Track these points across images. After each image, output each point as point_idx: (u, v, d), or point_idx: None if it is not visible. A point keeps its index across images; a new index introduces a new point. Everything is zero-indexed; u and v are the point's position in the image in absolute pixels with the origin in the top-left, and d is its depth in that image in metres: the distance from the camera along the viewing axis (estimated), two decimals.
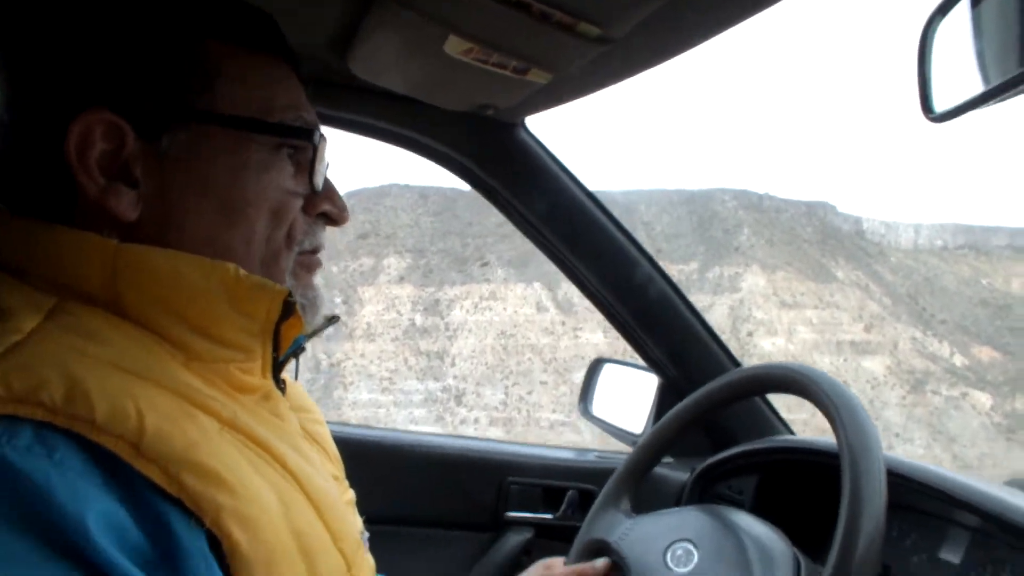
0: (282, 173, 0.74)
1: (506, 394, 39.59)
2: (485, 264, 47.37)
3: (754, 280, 46.28)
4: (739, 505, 1.30)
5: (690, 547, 1.01)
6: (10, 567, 0.48)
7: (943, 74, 0.76)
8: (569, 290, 43.26)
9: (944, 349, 47.04)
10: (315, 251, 0.79)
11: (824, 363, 42.82)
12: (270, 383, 0.77)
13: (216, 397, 0.66)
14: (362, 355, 40.88)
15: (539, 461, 1.73)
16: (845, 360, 43.71)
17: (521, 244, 48.56)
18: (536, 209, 1.56)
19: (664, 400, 1.63)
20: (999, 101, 0.68)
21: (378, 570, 0.88)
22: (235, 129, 0.70)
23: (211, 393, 0.66)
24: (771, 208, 56.29)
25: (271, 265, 0.74)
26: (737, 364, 1.67)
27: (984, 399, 42.42)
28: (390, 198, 53.31)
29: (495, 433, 36.93)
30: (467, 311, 43.98)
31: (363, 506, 0.90)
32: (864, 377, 42.92)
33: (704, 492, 1.52)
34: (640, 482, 1.20)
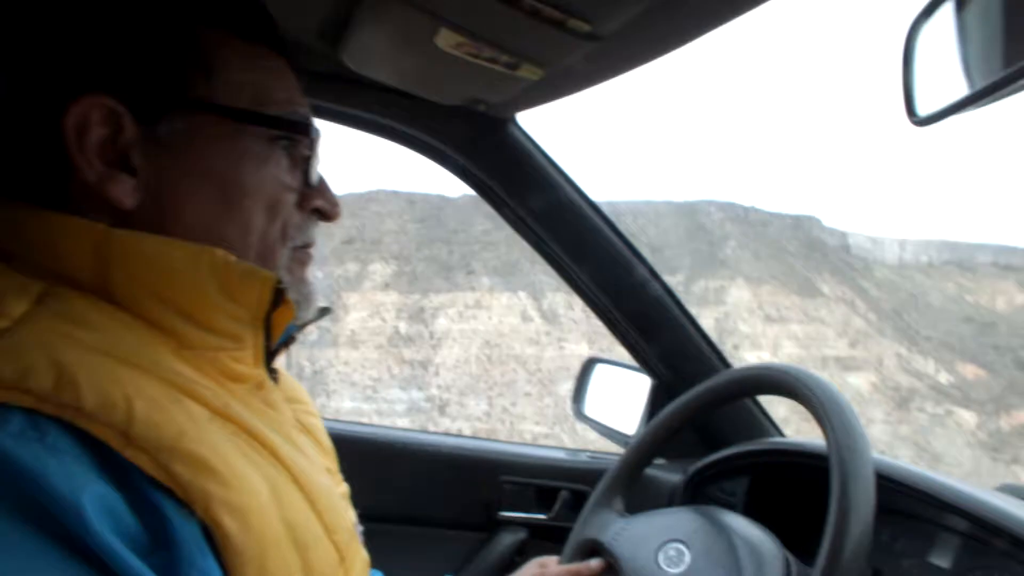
0: (278, 166, 0.75)
1: (490, 405, 39.22)
2: (471, 272, 47.02)
3: (739, 293, 46.21)
4: (731, 507, 1.25)
5: (682, 548, 1.01)
6: (6, 553, 0.48)
7: (927, 77, 0.78)
8: (554, 300, 43.11)
9: (929, 366, 47.07)
10: (307, 246, 0.80)
11: None
12: (263, 372, 0.77)
13: (207, 385, 0.66)
14: (346, 363, 40.39)
15: (532, 461, 1.75)
16: (830, 376, 43.44)
17: (506, 253, 48.61)
18: (528, 205, 1.56)
19: (656, 401, 1.64)
20: (983, 104, 0.69)
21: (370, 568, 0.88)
22: (233, 119, 0.71)
23: (202, 381, 0.66)
24: (757, 221, 56.30)
25: (266, 259, 0.74)
26: (728, 366, 1.66)
27: (969, 417, 42.37)
28: (377, 203, 52.75)
29: None
30: (452, 319, 43.59)
31: (356, 504, 0.91)
32: (849, 393, 42.57)
33: (696, 494, 1.52)
34: (633, 482, 1.20)
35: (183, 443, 0.58)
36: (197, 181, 0.69)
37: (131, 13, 0.67)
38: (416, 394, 40.19)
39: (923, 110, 0.77)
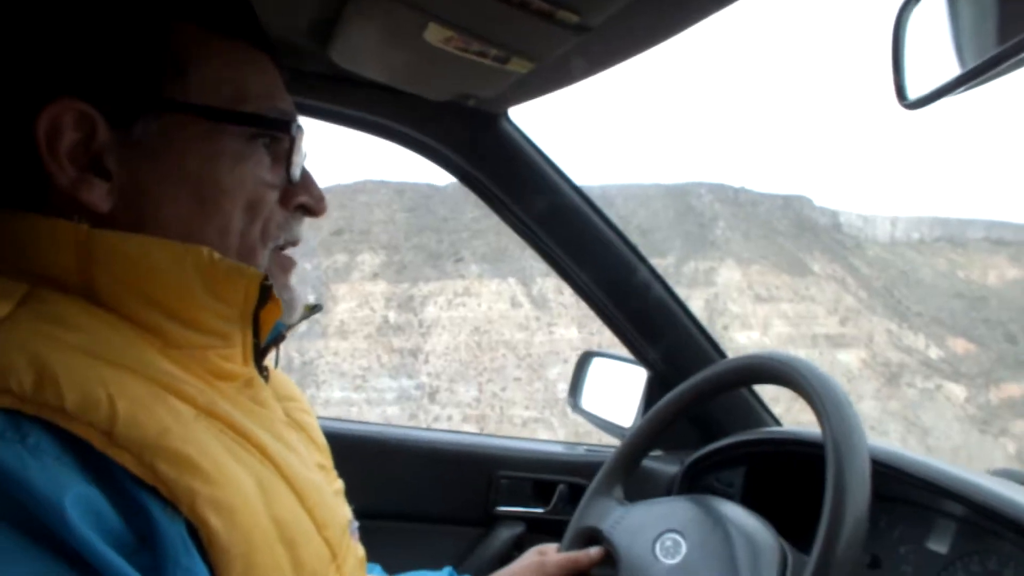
0: (258, 164, 0.73)
1: (480, 391, 39.21)
2: (459, 260, 47.03)
3: (729, 274, 46.21)
4: (728, 497, 1.24)
5: (679, 538, 1.02)
6: None
7: (917, 59, 0.77)
8: (544, 285, 43.11)
9: (919, 342, 47.15)
10: (292, 245, 0.79)
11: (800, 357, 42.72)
12: (252, 370, 0.76)
13: (193, 384, 0.65)
14: (335, 353, 40.42)
15: (529, 455, 1.73)
16: (820, 353, 43.60)
17: (495, 240, 48.56)
18: (520, 200, 1.55)
19: (652, 394, 1.62)
20: (975, 85, 0.68)
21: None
22: (208, 119, 0.69)
23: (188, 380, 0.65)
24: (747, 201, 56.31)
25: (247, 259, 0.72)
26: (724, 357, 1.64)
27: (958, 391, 42.56)
28: (365, 194, 52.78)
29: (469, 430, 36.68)
30: (441, 307, 43.60)
31: (352, 501, 0.90)
32: (839, 370, 42.82)
33: (693, 485, 1.51)
34: (632, 470, 1.20)
35: (167, 441, 0.57)
36: (173, 182, 0.68)
37: (101, 15, 0.66)
38: (406, 382, 40.22)
39: (913, 93, 0.76)
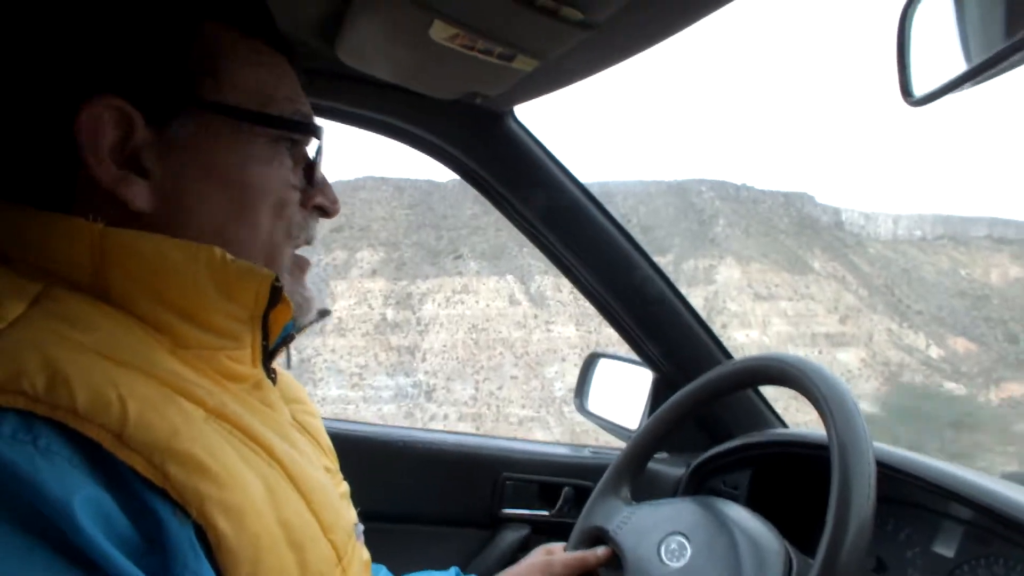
0: (282, 166, 0.74)
1: (476, 389, 39.22)
2: (458, 257, 47.00)
3: (729, 272, 46.16)
4: (734, 499, 1.20)
5: (683, 541, 1.03)
6: None
7: (923, 55, 0.77)
8: (542, 283, 43.06)
9: (920, 341, 46.99)
10: (307, 244, 0.81)
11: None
12: (260, 372, 0.76)
13: (203, 385, 0.65)
14: (332, 350, 40.44)
15: (534, 457, 1.72)
16: (820, 352, 43.56)
17: (495, 237, 48.49)
18: (526, 200, 1.54)
19: (658, 395, 1.62)
20: (980, 81, 0.68)
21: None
22: (240, 120, 0.70)
23: (198, 381, 0.65)
24: (748, 199, 56.28)
25: (273, 259, 0.74)
26: (730, 357, 1.63)
27: (958, 391, 42.25)
28: (365, 191, 52.80)
29: (464, 429, 36.60)
30: (439, 305, 43.57)
31: (357, 503, 0.90)
32: (839, 369, 42.46)
33: (699, 487, 1.50)
34: (640, 470, 1.21)
35: (177, 443, 0.57)
36: (208, 182, 0.69)
37: (139, 13, 0.67)
38: (403, 380, 40.20)
39: (919, 90, 0.75)
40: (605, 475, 1.22)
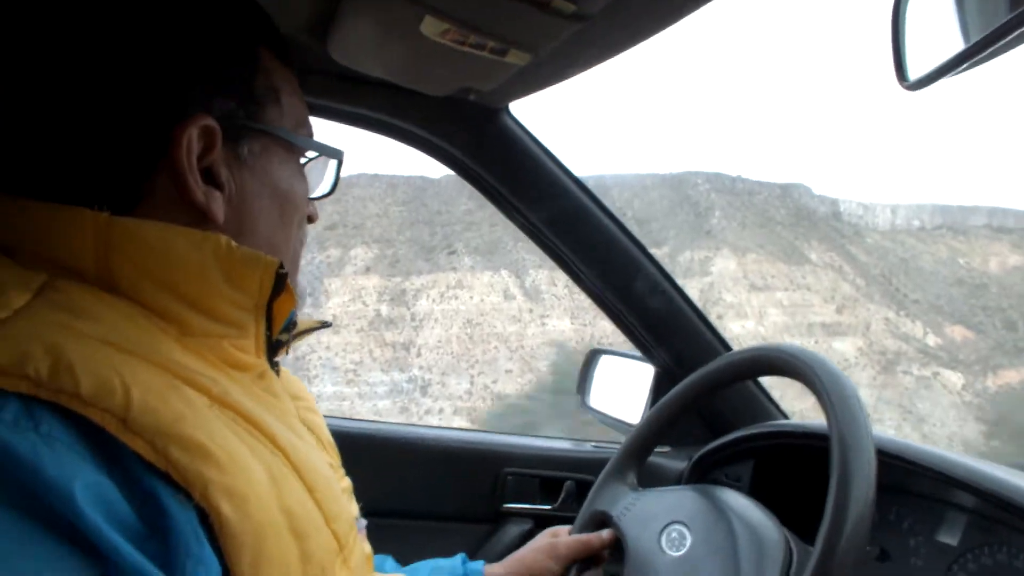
0: (304, 183, 0.82)
1: (471, 383, 39.13)
2: (452, 252, 46.86)
3: (724, 263, 46.01)
4: (737, 491, 1.21)
5: (684, 530, 1.05)
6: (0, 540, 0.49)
7: (918, 37, 0.75)
8: (537, 277, 42.96)
9: (917, 329, 46.83)
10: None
11: None
12: (264, 363, 0.77)
13: (207, 373, 0.66)
14: (327, 347, 40.30)
15: (536, 452, 1.73)
16: (816, 342, 43.39)
17: (489, 232, 48.41)
18: (523, 196, 1.55)
19: (660, 389, 1.63)
20: (980, 62, 0.66)
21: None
22: (291, 142, 0.78)
23: (202, 369, 0.66)
24: (744, 190, 56.13)
25: (296, 264, 0.82)
26: (730, 350, 1.64)
27: (955, 379, 42.29)
28: (359, 188, 52.61)
29: (459, 423, 36.49)
30: (433, 300, 43.46)
31: (359, 499, 0.92)
32: (835, 359, 42.02)
33: (702, 480, 1.50)
34: (646, 456, 1.23)
35: (180, 428, 0.57)
36: (265, 197, 0.75)
37: (218, 37, 0.71)
38: (398, 376, 40.07)
39: (915, 72, 0.74)
40: (612, 460, 1.23)
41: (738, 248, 47.85)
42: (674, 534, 1.04)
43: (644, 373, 1.71)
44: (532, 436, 1.85)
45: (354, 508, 0.88)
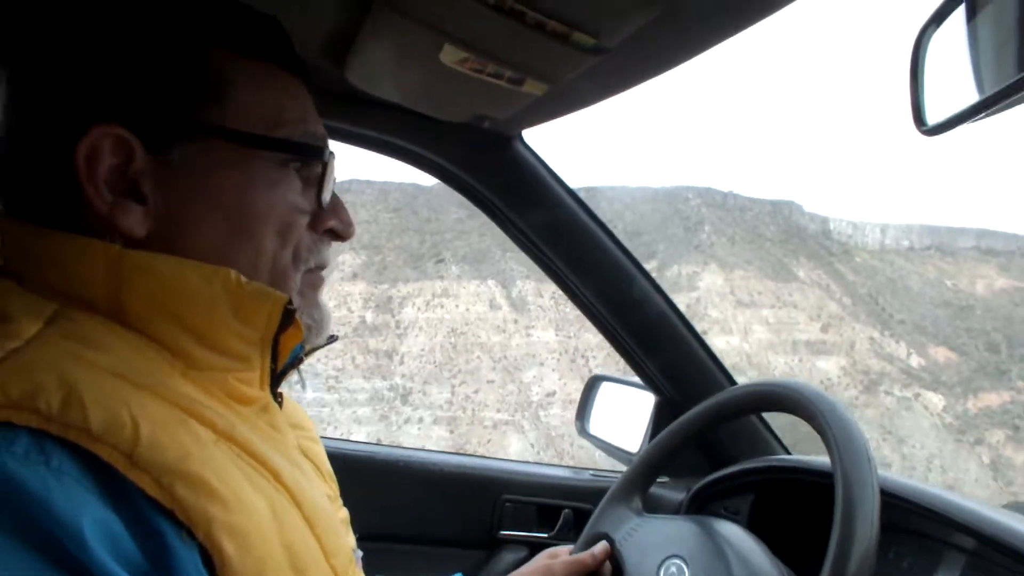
0: (290, 189, 0.73)
1: (452, 393, 39.09)
2: (440, 261, 46.88)
3: (712, 278, 46.10)
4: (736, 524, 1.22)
5: (683, 566, 1.05)
6: (7, 574, 0.49)
7: (936, 85, 0.76)
8: (524, 288, 42.94)
9: (901, 350, 46.90)
10: (321, 268, 0.79)
11: (779, 363, 42.73)
12: (268, 395, 0.77)
13: (213, 408, 0.66)
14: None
15: (534, 479, 1.73)
16: (800, 360, 43.50)
17: (478, 241, 48.38)
18: (533, 223, 1.55)
19: (661, 418, 1.64)
20: (994, 112, 0.67)
21: None
22: (243, 144, 0.70)
23: (208, 403, 0.66)
24: (735, 206, 56.32)
25: (279, 283, 0.73)
26: (733, 382, 1.64)
27: (936, 400, 42.38)
28: (350, 194, 52.63)
29: (438, 432, 36.49)
30: (419, 308, 43.46)
31: (357, 522, 0.92)
32: (818, 378, 42.67)
33: (700, 511, 1.49)
34: (651, 482, 1.24)
35: (186, 465, 0.58)
36: (208, 207, 0.69)
37: (139, 41, 0.67)
38: (379, 383, 40.00)
39: (932, 119, 0.75)
40: (617, 483, 1.23)
41: (726, 263, 47.91)
42: (672, 568, 1.05)
43: (645, 402, 1.70)
44: (531, 463, 1.85)
45: (351, 539, 0.87)
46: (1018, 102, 0.64)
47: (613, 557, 1.14)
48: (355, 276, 45.71)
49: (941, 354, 46.62)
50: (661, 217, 53.24)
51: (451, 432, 36.55)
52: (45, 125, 0.66)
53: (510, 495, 1.70)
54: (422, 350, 41.34)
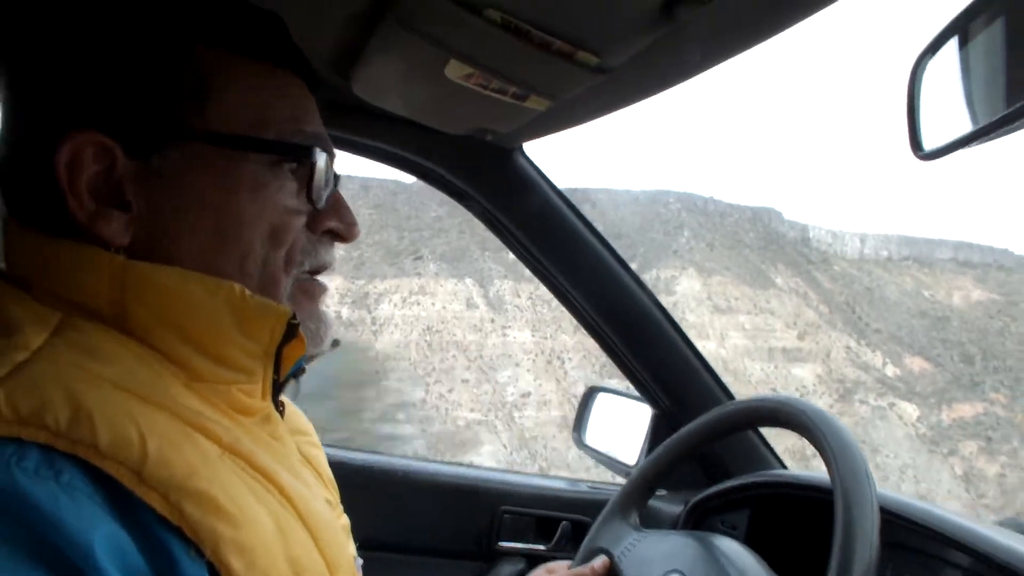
0: (281, 190, 0.71)
1: (426, 391, 38.59)
2: (418, 258, 46.43)
3: (689, 284, 46.08)
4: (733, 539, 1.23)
5: None
6: None
7: (932, 112, 0.78)
8: (501, 287, 42.68)
9: (877, 359, 47.12)
10: (318, 271, 0.78)
11: (755, 370, 42.74)
12: (269, 405, 0.76)
13: (218, 420, 0.65)
14: None
15: (532, 491, 1.74)
16: (776, 367, 43.51)
17: (457, 239, 48.05)
18: (532, 235, 1.58)
19: (658, 431, 1.66)
20: (987, 140, 0.69)
21: None
22: (228, 147, 0.68)
23: (213, 416, 0.66)
24: (715, 212, 56.39)
25: (269, 289, 0.72)
26: (731, 396, 1.67)
27: (911, 410, 42.60)
28: None
29: (410, 431, 36.05)
30: (395, 305, 42.97)
31: (355, 532, 0.92)
32: (794, 385, 42.77)
33: (697, 525, 1.51)
34: (648, 496, 1.25)
35: (194, 482, 0.57)
36: (193, 213, 0.67)
37: (119, 46, 0.66)
38: None
39: (929, 144, 0.77)
40: (615, 498, 1.23)
41: (704, 269, 47.93)
42: None
43: (642, 414, 1.71)
44: (529, 475, 1.84)
45: (352, 547, 0.86)
46: (1010, 132, 0.65)
47: (612, 572, 1.13)
48: (332, 271, 45.26)
49: (916, 364, 46.88)
50: (641, 220, 53.15)
51: (423, 431, 36.18)
52: (27, 131, 0.66)
53: (508, 507, 1.70)
54: (397, 347, 40.89)
